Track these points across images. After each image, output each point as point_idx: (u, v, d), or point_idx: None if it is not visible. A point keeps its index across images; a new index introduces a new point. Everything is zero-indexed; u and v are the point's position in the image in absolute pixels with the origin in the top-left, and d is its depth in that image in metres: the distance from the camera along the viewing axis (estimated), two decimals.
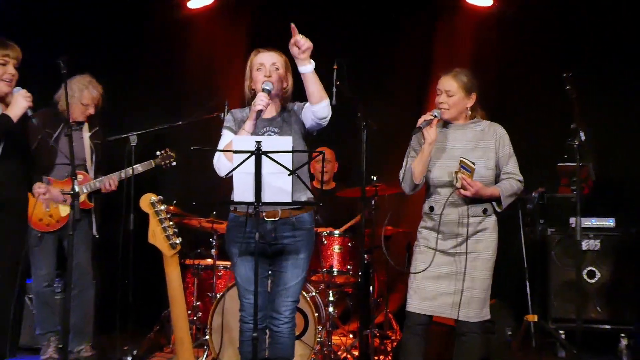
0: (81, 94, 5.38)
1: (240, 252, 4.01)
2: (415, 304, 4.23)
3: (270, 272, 4.11)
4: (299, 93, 4.03)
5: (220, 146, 4.02)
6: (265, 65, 4.03)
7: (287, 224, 4.00)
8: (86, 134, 5.47)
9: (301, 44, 3.74)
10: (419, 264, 4.26)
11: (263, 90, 3.93)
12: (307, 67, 3.80)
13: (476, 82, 4.33)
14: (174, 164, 5.57)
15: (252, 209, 3.71)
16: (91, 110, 5.44)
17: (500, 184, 4.27)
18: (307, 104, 3.95)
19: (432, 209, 4.28)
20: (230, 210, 4.13)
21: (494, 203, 4.25)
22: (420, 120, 4.18)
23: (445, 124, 4.34)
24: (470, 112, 4.35)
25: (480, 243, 4.22)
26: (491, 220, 4.27)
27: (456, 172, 4.13)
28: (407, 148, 4.39)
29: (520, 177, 4.32)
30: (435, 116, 4.21)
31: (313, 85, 3.82)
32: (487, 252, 4.24)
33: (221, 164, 3.92)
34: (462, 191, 4.13)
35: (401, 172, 4.30)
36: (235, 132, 4.01)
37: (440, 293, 4.20)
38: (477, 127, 4.33)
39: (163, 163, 5.54)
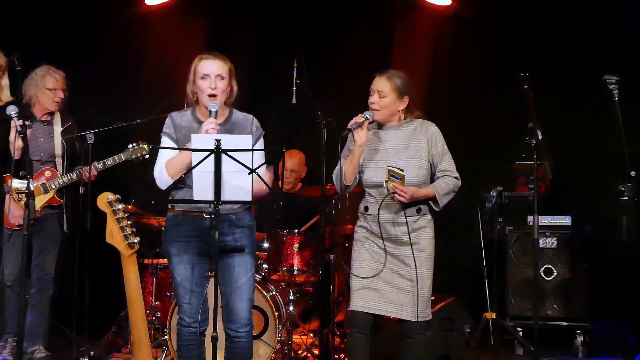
0: (44, 80, 5.29)
1: (179, 252, 3.96)
2: (363, 304, 4.22)
3: (209, 273, 4.04)
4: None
5: (161, 156, 3.95)
6: (210, 76, 3.94)
7: (226, 221, 3.94)
8: (57, 127, 5.38)
9: None
10: (363, 262, 4.25)
11: (210, 112, 3.87)
12: None
13: (410, 86, 4.32)
14: (147, 156, 5.22)
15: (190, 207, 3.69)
16: (60, 95, 5.34)
17: (435, 183, 4.27)
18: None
19: (366, 209, 4.30)
20: (167, 210, 4.08)
21: (431, 202, 4.26)
22: (351, 122, 4.18)
23: (380, 125, 4.35)
24: (402, 115, 4.34)
25: (418, 243, 4.23)
26: (426, 219, 4.29)
27: (386, 182, 4.13)
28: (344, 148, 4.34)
29: (456, 174, 4.32)
30: (366, 118, 4.21)
31: None
32: (426, 251, 4.25)
33: (162, 177, 3.89)
34: (397, 197, 4.13)
35: (334, 172, 4.30)
36: (175, 140, 3.98)
37: (387, 293, 4.20)
38: (409, 126, 4.33)
39: (134, 156, 5.22)
